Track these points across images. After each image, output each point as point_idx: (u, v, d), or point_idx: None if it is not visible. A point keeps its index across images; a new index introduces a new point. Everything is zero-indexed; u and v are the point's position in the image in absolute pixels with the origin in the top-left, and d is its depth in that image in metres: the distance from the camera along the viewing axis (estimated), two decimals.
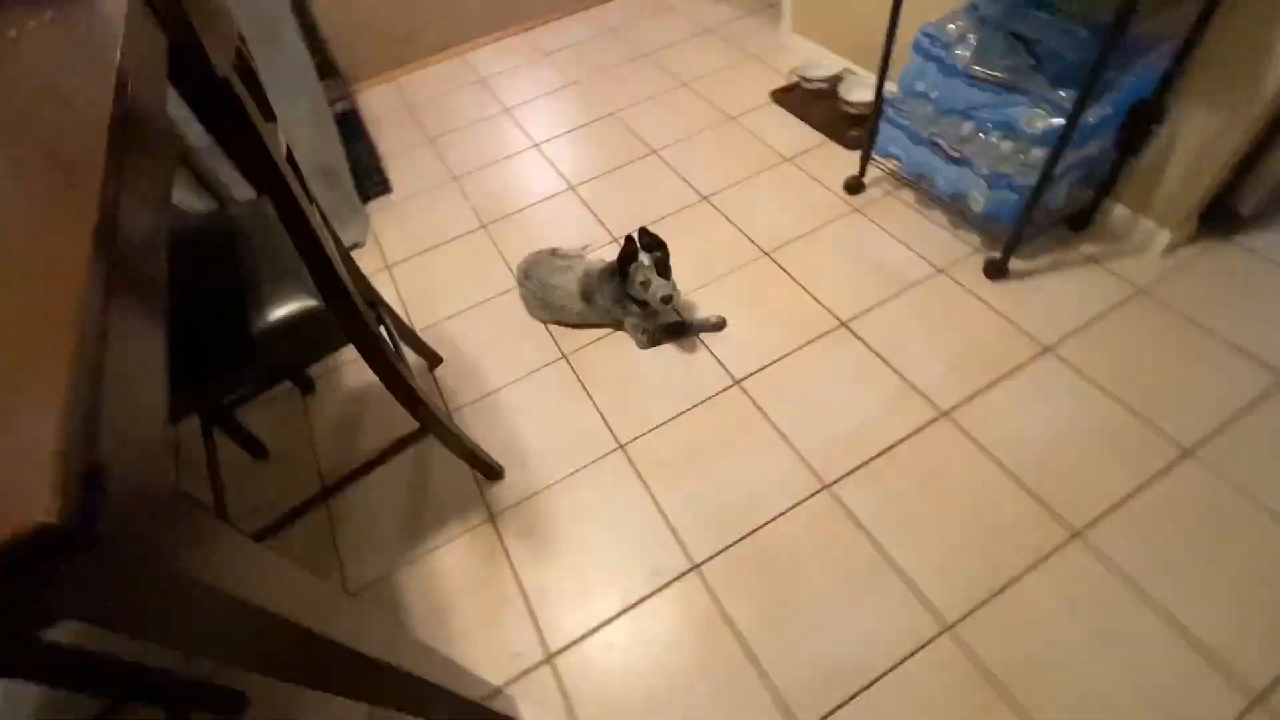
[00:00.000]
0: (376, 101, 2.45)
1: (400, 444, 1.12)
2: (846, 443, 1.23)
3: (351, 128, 2.23)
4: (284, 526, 1.11)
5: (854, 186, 1.70)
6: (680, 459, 1.26)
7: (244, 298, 0.86)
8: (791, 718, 0.95)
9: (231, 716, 1.03)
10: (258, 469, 1.36)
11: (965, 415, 1.23)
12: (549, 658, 1.05)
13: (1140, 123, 1.24)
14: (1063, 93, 1.18)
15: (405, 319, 1.52)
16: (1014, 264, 1.44)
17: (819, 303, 1.48)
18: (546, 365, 1.47)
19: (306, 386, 1.49)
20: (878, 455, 1.20)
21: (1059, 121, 1.18)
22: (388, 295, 1.67)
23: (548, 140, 2.11)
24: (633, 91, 2.23)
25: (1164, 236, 1.39)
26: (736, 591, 1.08)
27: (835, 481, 1.18)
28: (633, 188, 1.87)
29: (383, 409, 1.39)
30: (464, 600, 1.13)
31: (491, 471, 1.26)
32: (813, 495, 1.17)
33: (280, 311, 0.85)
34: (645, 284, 1.34)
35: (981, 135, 1.33)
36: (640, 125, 2.08)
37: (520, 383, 1.44)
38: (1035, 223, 1.35)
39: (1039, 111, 1.21)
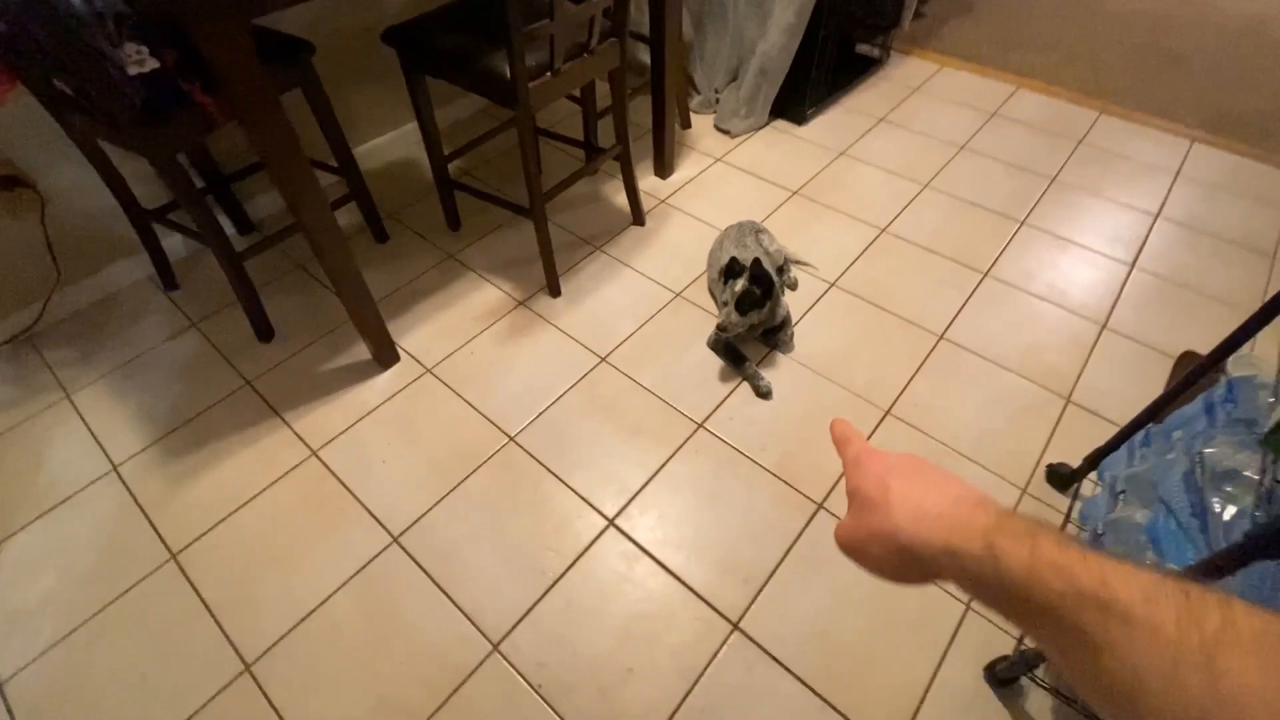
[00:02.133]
0: (905, 69, 2.51)
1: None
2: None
3: (845, 67, 2.38)
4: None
5: None
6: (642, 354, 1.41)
7: None
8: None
9: None
10: None
11: None
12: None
13: None
14: None
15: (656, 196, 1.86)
16: None
17: None
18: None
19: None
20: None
21: None
22: (697, 185, 2.01)
23: (952, 197, 1.95)
24: None
25: None
26: None
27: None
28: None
29: None
30: None
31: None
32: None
33: None
34: (724, 303, 1.38)
35: None
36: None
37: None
38: None
39: None
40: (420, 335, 1.55)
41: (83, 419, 1.40)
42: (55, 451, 1.35)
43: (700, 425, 1.37)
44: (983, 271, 1.70)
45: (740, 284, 1.36)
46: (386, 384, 1.45)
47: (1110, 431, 1.13)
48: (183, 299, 1.66)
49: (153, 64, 1.16)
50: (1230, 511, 0.75)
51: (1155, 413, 1.04)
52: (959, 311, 1.60)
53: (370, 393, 1.44)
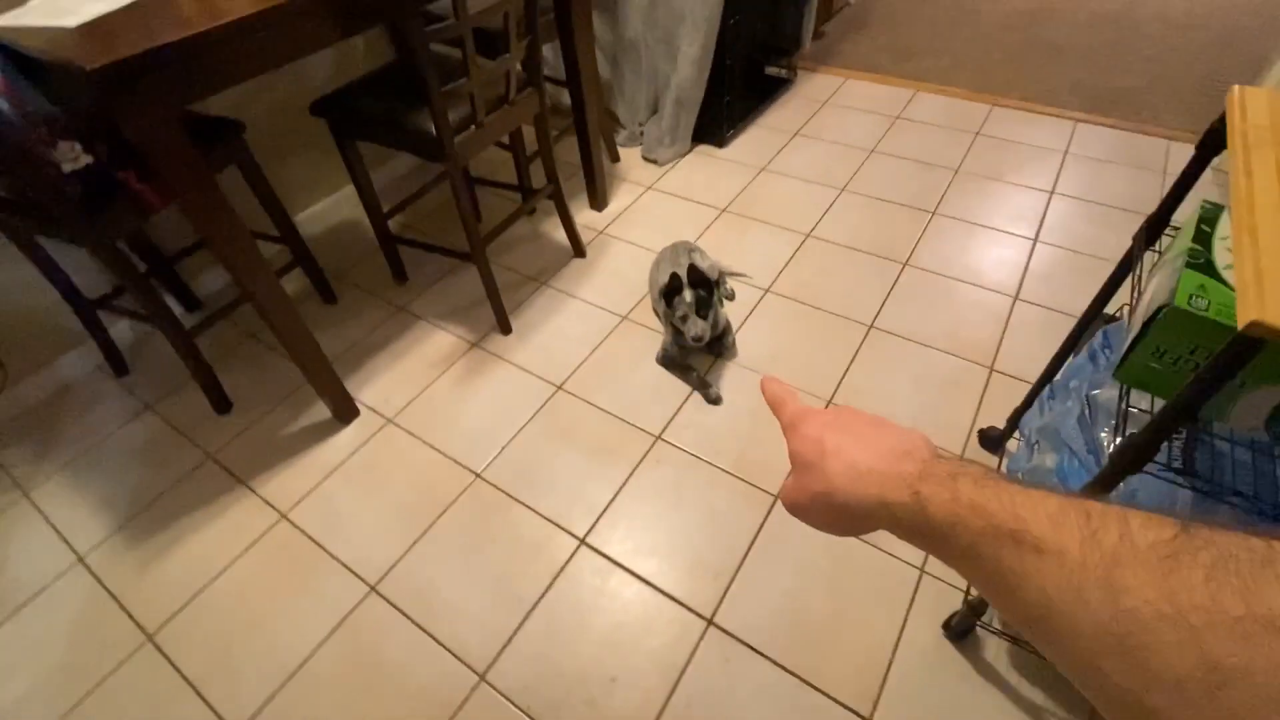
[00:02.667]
0: (813, 85, 2.68)
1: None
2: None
3: (757, 89, 2.55)
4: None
5: None
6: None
7: None
8: None
9: None
10: None
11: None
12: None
13: None
14: None
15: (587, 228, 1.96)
16: None
17: None
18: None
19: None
20: None
21: None
22: (631, 213, 2.11)
23: (867, 197, 2.09)
24: None
25: None
26: None
27: None
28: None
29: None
30: None
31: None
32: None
33: None
34: (684, 318, 1.46)
35: None
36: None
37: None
38: None
39: None
40: (378, 387, 1.59)
41: (43, 515, 1.39)
42: (16, 550, 1.34)
43: (658, 437, 1.44)
44: (902, 262, 1.83)
45: (688, 294, 1.45)
46: (349, 439, 1.48)
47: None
48: (135, 383, 1.67)
49: (86, 159, 1.21)
50: (1115, 442, 0.85)
51: (1055, 370, 1.15)
52: (884, 301, 1.71)
53: (334, 450, 1.46)
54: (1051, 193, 2.05)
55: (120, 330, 1.70)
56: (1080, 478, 0.91)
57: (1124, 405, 0.70)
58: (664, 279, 1.61)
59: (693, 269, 1.46)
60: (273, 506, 1.37)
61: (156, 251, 1.68)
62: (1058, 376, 1.14)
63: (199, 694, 1.11)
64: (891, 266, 1.82)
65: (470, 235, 1.52)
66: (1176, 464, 0.67)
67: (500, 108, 1.47)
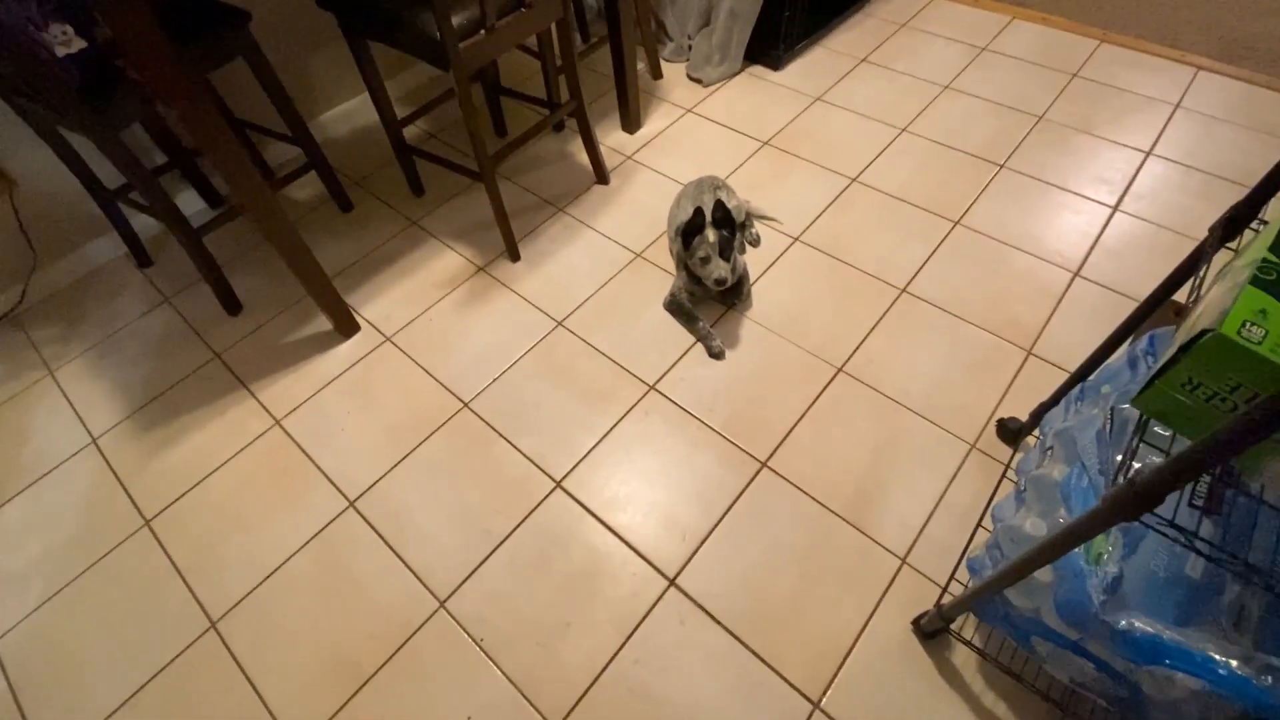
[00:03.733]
0: (893, 3, 2.37)
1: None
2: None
3: (825, 4, 2.26)
4: None
5: None
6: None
7: None
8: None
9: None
10: None
11: None
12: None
13: None
14: None
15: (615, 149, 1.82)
16: None
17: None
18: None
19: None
20: None
21: None
22: (665, 139, 1.96)
23: (929, 141, 1.87)
24: None
25: None
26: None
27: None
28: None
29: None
30: None
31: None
32: None
33: None
34: (705, 260, 1.36)
35: None
36: None
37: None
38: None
39: None
40: (382, 304, 1.57)
41: (65, 394, 1.47)
42: (41, 424, 1.42)
43: (651, 388, 1.38)
44: (953, 220, 1.65)
45: (711, 234, 1.34)
46: (347, 353, 1.49)
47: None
48: (156, 275, 1.70)
49: (80, 44, 1.16)
50: (1133, 469, 0.74)
51: (1091, 368, 1.01)
52: (924, 263, 1.55)
53: (331, 363, 1.47)
54: (1149, 153, 1.77)
55: (143, 222, 1.72)
56: (1087, 500, 0.81)
57: (1136, 441, 0.59)
58: (685, 217, 1.50)
59: (719, 206, 1.34)
60: (269, 412, 1.40)
61: (178, 143, 1.67)
62: (1092, 376, 1.00)
63: (185, 581, 1.18)
64: (940, 224, 1.64)
65: (479, 154, 1.43)
66: (1187, 524, 0.57)
67: (515, 10, 1.33)
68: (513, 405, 1.37)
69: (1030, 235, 1.60)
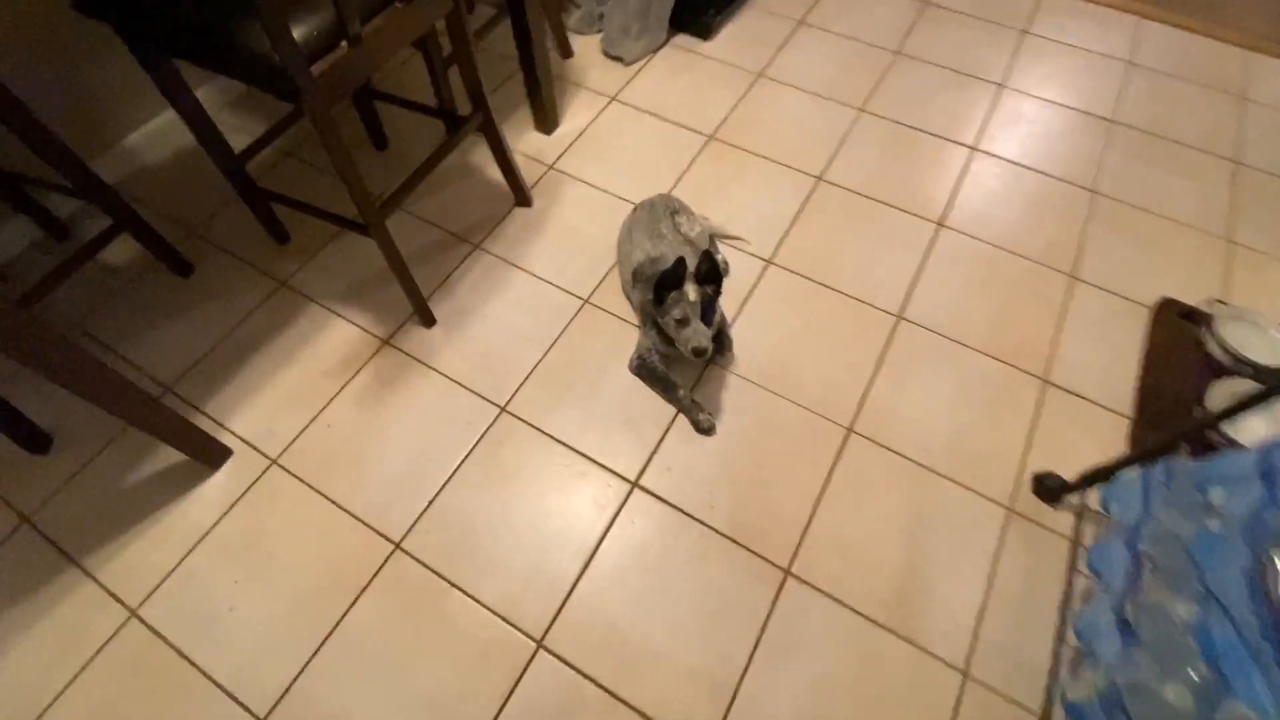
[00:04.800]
0: None
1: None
2: None
3: None
4: None
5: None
6: None
7: None
8: None
9: None
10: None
11: None
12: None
13: None
14: None
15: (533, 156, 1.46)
16: None
17: None
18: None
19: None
20: None
21: None
22: (590, 139, 1.61)
23: (891, 122, 1.64)
24: None
25: None
26: None
27: None
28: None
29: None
30: None
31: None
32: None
33: None
34: (682, 322, 1.07)
35: None
36: None
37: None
38: None
39: None
40: (257, 411, 1.19)
41: None
42: None
43: (634, 485, 1.12)
44: (935, 221, 1.45)
45: (692, 291, 1.06)
46: (219, 491, 1.11)
47: (1095, 416, 0.99)
48: None
49: None
50: None
51: (1171, 447, 0.86)
52: (915, 279, 1.36)
53: (199, 508, 1.09)
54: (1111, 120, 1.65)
55: None
56: (1238, 656, 0.65)
57: None
58: (639, 253, 1.21)
59: (707, 257, 1.07)
60: (117, 598, 1.01)
61: None
62: (1182, 460, 0.85)
63: None
64: (922, 228, 1.44)
65: (361, 206, 1.06)
66: None
67: (389, 6, 0.94)
68: (461, 536, 1.07)
69: (1012, 229, 1.44)
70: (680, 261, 1.05)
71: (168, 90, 1.07)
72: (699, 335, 1.07)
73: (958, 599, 1.01)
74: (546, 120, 1.57)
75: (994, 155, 1.57)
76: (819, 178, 1.52)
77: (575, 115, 1.64)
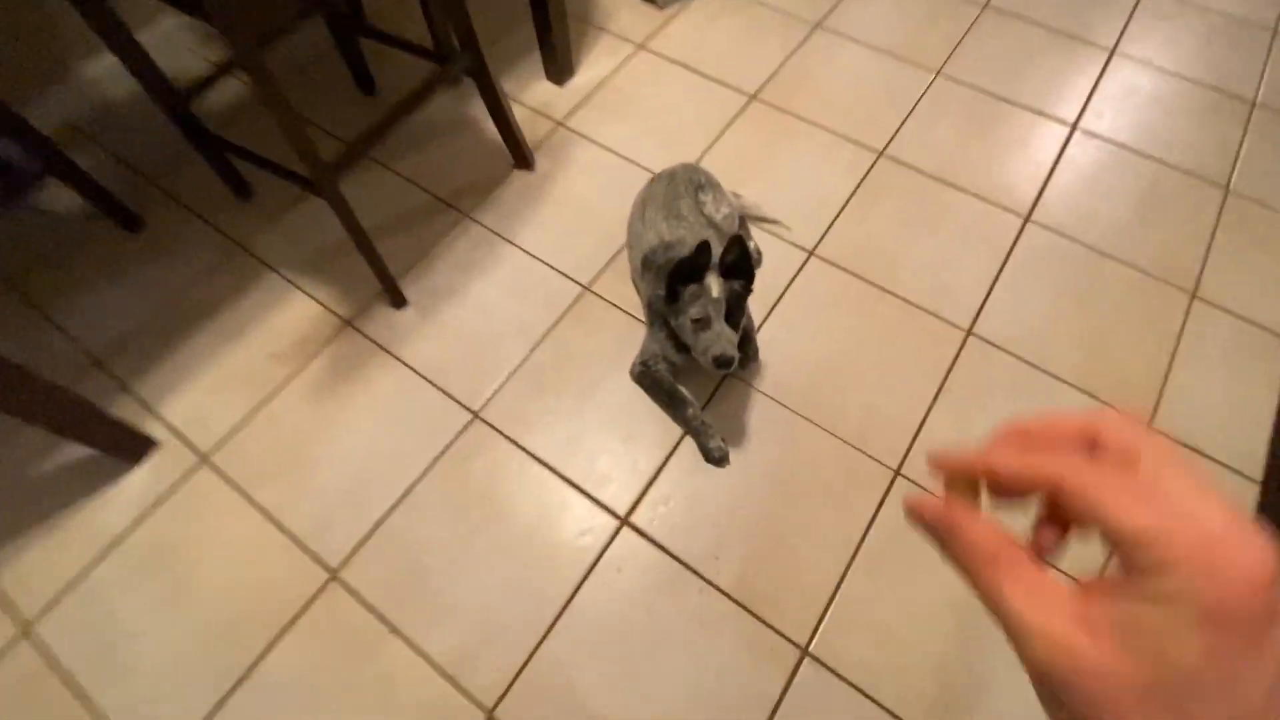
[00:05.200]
0: None
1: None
2: None
3: None
4: None
5: None
6: None
7: None
8: None
9: None
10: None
11: None
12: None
13: None
14: None
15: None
16: None
17: None
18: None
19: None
20: None
21: None
22: (610, 91, 1.37)
23: (972, 88, 1.36)
24: None
25: None
26: None
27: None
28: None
29: None
30: None
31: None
32: None
33: None
34: (701, 323, 0.85)
35: None
36: None
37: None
38: None
39: None
40: (193, 394, 1.01)
41: None
42: None
43: (623, 521, 0.92)
44: (1022, 215, 1.19)
45: (715, 285, 0.85)
46: (137, 491, 0.94)
47: (1213, 477, 0.72)
48: None
49: None
50: None
51: None
52: (992, 286, 1.11)
53: (111, 509, 0.93)
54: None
55: None
56: None
57: None
58: (652, 235, 0.99)
59: (737, 243, 0.84)
60: (9, 611, 0.86)
61: None
62: None
63: None
64: (1006, 222, 1.18)
65: (305, 158, 0.85)
66: None
67: None
68: (409, 570, 0.89)
69: (1122, 238, 1.16)
70: (703, 246, 0.82)
71: (95, 19, 0.87)
72: (722, 341, 0.85)
73: (1015, 714, 0.79)
74: (559, 68, 1.34)
75: (1099, 137, 1.28)
76: (880, 153, 1.26)
77: (595, 63, 1.39)
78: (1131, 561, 0.15)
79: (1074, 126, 1.30)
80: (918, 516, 0.19)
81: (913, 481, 0.94)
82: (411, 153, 1.26)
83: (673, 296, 0.89)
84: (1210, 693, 0.13)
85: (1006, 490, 0.18)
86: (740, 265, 0.85)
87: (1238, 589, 0.13)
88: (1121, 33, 1.44)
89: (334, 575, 0.88)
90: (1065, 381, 1.02)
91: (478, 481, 0.94)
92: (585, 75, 1.38)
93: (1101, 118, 1.31)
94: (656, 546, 0.90)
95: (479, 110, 1.28)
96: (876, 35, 1.43)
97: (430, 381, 1.02)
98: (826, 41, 1.43)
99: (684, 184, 1.04)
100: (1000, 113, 1.32)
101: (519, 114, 1.29)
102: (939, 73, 1.38)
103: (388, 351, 1.05)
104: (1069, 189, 1.22)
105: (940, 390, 1.01)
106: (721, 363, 0.85)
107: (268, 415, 1.00)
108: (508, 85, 1.35)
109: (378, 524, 0.91)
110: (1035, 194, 1.21)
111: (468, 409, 1.00)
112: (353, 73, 1.32)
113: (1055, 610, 0.16)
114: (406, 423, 0.99)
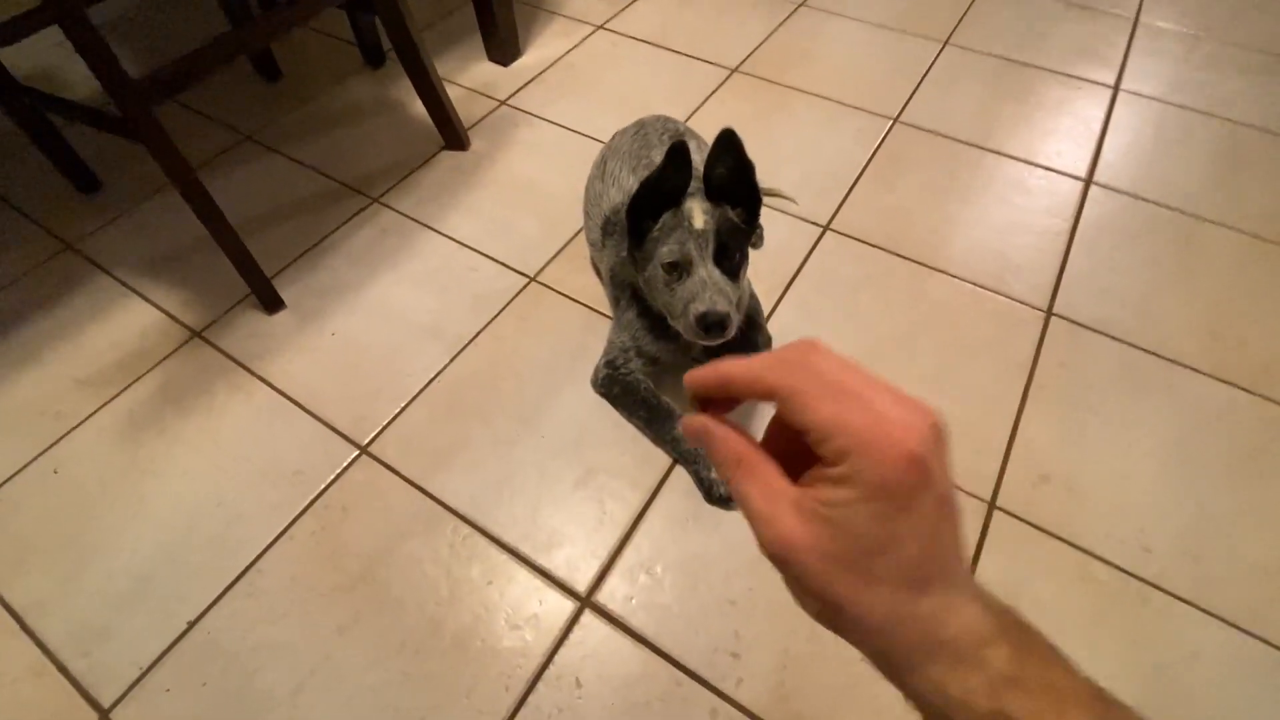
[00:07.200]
0: None
1: None
2: None
3: None
4: None
5: None
6: None
7: None
8: None
9: None
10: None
11: None
12: None
13: None
14: None
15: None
16: None
17: None
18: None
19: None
20: None
21: None
22: (562, 70, 1.15)
23: (987, 54, 1.16)
24: None
25: None
26: None
27: None
28: None
29: None
30: None
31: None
32: None
33: None
34: (676, 268, 0.58)
35: None
36: None
37: None
38: None
39: None
40: None
41: None
42: None
43: (584, 602, 0.58)
44: (1082, 177, 0.95)
45: (699, 211, 0.58)
46: None
47: None
48: None
49: None
50: None
51: None
52: (1065, 260, 0.84)
53: None
54: None
55: None
56: None
57: None
58: (616, 192, 0.73)
59: (724, 144, 0.56)
60: None
61: None
62: None
63: None
64: (1061, 184, 0.94)
65: (112, 83, 0.58)
66: None
67: None
68: (234, 697, 0.54)
69: (1222, 199, 0.92)
70: (677, 151, 0.55)
71: None
72: (710, 292, 0.56)
73: None
74: (502, 47, 1.12)
75: (1149, 97, 1.07)
76: (895, 119, 1.03)
77: (546, 44, 1.18)
78: (824, 453, 0.17)
79: (1115, 88, 1.09)
80: (689, 431, 0.22)
81: (1011, 514, 0.63)
82: (316, 136, 1.00)
83: (638, 238, 0.60)
84: (879, 551, 0.16)
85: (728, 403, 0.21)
86: (739, 185, 0.58)
87: (894, 464, 0.16)
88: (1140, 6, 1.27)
89: (105, 715, 0.53)
90: (1195, 369, 0.73)
91: (358, 548, 0.61)
92: (535, 55, 1.16)
93: (1145, 79, 1.11)
94: (635, 639, 0.56)
95: (405, 93, 1.03)
96: (867, 10, 1.25)
97: (300, 405, 0.70)
98: (814, 18, 1.24)
99: (657, 133, 0.78)
100: (1027, 77, 1.12)
101: (455, 95, 1.05)
102: (947, 43, 1.18)
103: (245, 368, 0.74)
104: (1130, 150, 0.99)
105: (1029, 388, 0.72)
106: (710, 323, 0.55)
107: (48, 463, 0.67)
108: (443, 69, 1.11)
109: (190, 626, 0.57)
110: (1090, 157, 0.98)
111: (352, 442, 0.68)
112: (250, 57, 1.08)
113: (779, 501, 0.18)
114: (258, 466, 0.66)
